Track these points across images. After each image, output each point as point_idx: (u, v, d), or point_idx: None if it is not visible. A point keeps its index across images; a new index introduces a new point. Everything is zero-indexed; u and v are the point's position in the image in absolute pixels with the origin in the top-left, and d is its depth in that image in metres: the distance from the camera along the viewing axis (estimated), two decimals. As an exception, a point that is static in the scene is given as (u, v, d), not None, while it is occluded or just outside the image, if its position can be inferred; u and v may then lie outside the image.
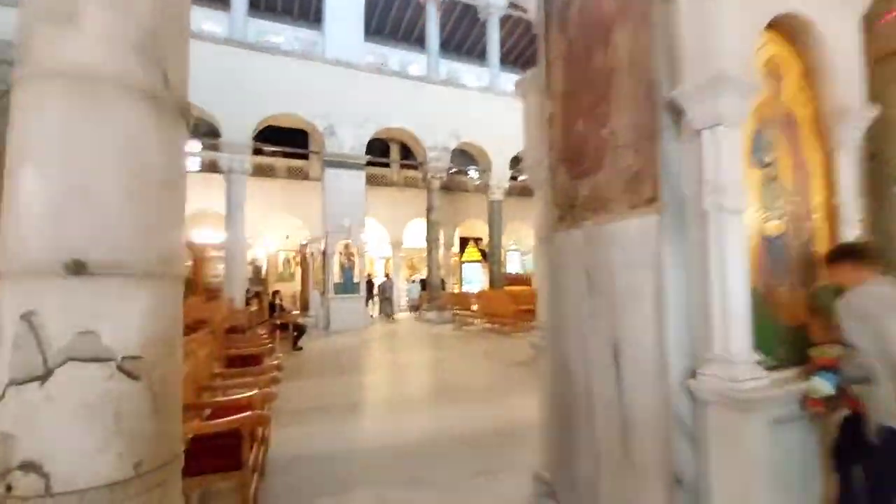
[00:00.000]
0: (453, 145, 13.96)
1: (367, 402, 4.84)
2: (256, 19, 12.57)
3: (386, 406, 4.65)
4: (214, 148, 11.94)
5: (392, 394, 5.20)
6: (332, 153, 12.05)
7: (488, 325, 10.73)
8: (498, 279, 14.50)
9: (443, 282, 15.40)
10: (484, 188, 17.84)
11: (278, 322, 7.88)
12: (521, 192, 21.03)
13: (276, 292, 9.18)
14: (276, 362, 3.47)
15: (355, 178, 12.34)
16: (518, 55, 19.00)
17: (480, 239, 21.00)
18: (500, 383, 5.57)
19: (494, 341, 9.20)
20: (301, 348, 8.15)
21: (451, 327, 11.76)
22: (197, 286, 17.40)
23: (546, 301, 2.60)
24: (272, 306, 8.21)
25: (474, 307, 11.73)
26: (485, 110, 14.51)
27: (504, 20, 15.67)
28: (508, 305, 9.88)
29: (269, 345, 4.41)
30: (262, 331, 6.71)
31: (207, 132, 12.45)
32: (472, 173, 20.25)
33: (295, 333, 8.07)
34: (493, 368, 6.56)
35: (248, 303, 9.85)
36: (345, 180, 12.13)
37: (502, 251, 15.40)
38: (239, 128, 11.16)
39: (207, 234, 15.49)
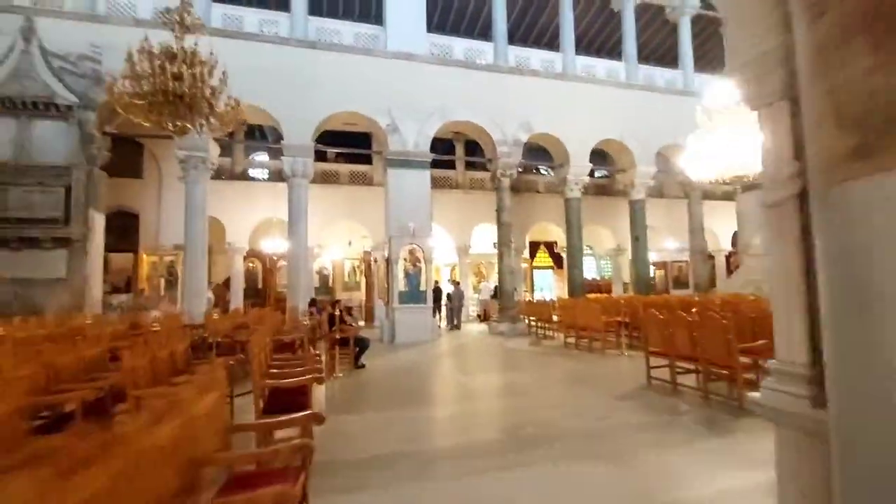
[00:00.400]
0: (525, 138, 12.66)
1: (438, 454, 3.65)
2: (317, 18, 12.14)
3: (464, 459, 3.43)
4: (279, 153, 11.57)
5: (471, 440, 3.99)
6: (394, 151, 11.24)
7: (570, 340, 9.25)
8: (578, 286, 12.91)
9: (514, 290, 14.07)
10: (557, 186, 16.36)
11: (338, 336, 7.01)
12: (597, 190, 19.19)
13: (335, 302, 8.39)
14: (312, 413, 2.41)
15: (420, 178, 11.43)
16: (592, 39, 17.35)
17: (554, 243, 19.38)
18: (611, 426, 4.18)
19: (583, 360, 7.73)
20: (363, 366, 7.23)
21: (528, 341, 10.38)
22: (268, 296, 17.48)
23: (823, 319, 1.29)
24: (332, 318, 7.37)
25: (555, 318, 10.29)
26: (559, 98, 13.12)
27: (578, -1, 14.20)
28: (597, 316, 8.36)
29: (318, 374, 3.40)
30: (316, 349, 5.83)
31: (278, 139, 12.13)
32: (545, 171, 18.78)
33: (356, 349, 7.17)
34: (594, 401, 5.16)
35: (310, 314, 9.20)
36: (409, 180, 11.26)
37: (575, 254, 13.71)
38: (301, 129, 10.69)
39: (276, 243, 15.34)
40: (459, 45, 13.00)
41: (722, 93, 8.72)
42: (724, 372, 4.83)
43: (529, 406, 5.01)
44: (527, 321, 12.05)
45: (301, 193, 10.73)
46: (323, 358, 5.29)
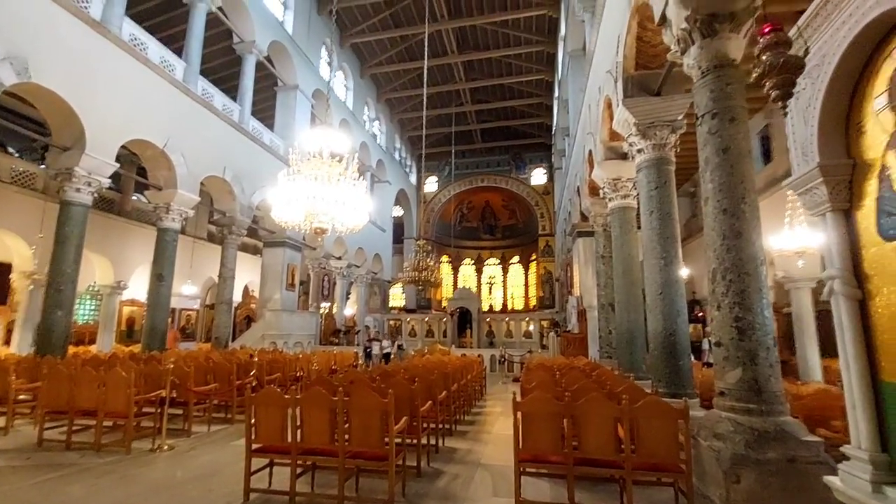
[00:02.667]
0: (10, 81, 7.48)
1: None
2: None
3: None
4: None
5: None
6: None
7: (58, 433, 5.42)
8: (61, 336, 8.29)
9: None
10: (46, 178, 11.03)
11: None
12: (100, 204, 14.11)
13: None
14: None
15: None
16: (151, 12, 13.60)
17: (7, 265, 12.28)
18: None
19: (97, 475, 4.42)
20: None
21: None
22: None
23: None
24: None
25: (21, 396, 5.78)
26: (90, 55, 9.01)
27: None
28: (123, 391, 5.25)
29: None
30: None
31: None
32: (15, 151, 11.94)
33: None
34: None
35: None
36: None
37: (63, 287, 8.93)
38: None
39: None
40: None
41: (312, 141, 8.37)
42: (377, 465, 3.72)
43: None
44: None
45: None
46: None
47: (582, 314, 12.50)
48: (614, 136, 8.84)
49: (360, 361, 11.82)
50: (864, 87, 1.80)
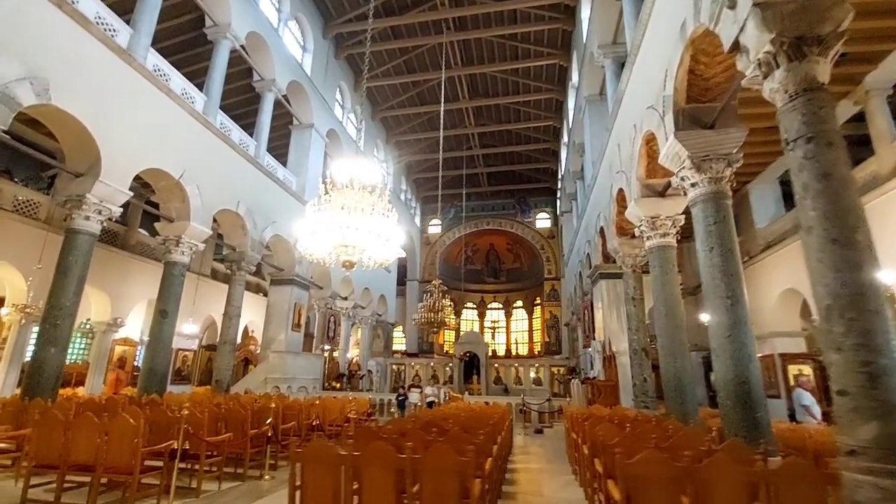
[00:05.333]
0: (28, 101, 7.12)
1: None
2: None
3: None
4: None
5: None
6: None
7: (44, 488, 4.60)
8: (51, 377, 7.47)
9: None
10: (52, 204, 10.58)
11: None
12: (106, 238, 13.53)
13: None
14: None
15: None
16: (177, 48, 13.62)
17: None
18: None
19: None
20: None
21: None
22: None
23: None
24: None
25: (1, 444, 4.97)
26: (114, 81, 8.78)
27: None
28: (128, 441, 4.49)
29: None
30: None
31: None
32: (18, 180, 11.47)
33: None
34: None
35: None
36: None
37: (60, 322, 8.14)
38: None
39: None
40: None
41: (344, 169, 8.06)
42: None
43: None
44: None
45: None
46: None
47: (609, 360, 11.79)
48: (651, 172, 8.58)
49: (384, 412, 10.75)
50: None
